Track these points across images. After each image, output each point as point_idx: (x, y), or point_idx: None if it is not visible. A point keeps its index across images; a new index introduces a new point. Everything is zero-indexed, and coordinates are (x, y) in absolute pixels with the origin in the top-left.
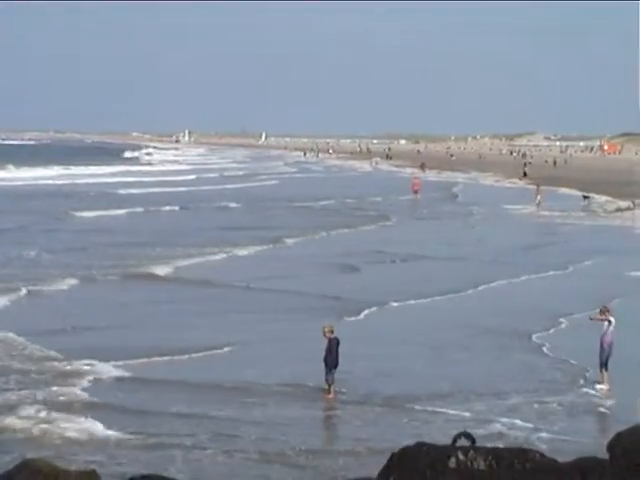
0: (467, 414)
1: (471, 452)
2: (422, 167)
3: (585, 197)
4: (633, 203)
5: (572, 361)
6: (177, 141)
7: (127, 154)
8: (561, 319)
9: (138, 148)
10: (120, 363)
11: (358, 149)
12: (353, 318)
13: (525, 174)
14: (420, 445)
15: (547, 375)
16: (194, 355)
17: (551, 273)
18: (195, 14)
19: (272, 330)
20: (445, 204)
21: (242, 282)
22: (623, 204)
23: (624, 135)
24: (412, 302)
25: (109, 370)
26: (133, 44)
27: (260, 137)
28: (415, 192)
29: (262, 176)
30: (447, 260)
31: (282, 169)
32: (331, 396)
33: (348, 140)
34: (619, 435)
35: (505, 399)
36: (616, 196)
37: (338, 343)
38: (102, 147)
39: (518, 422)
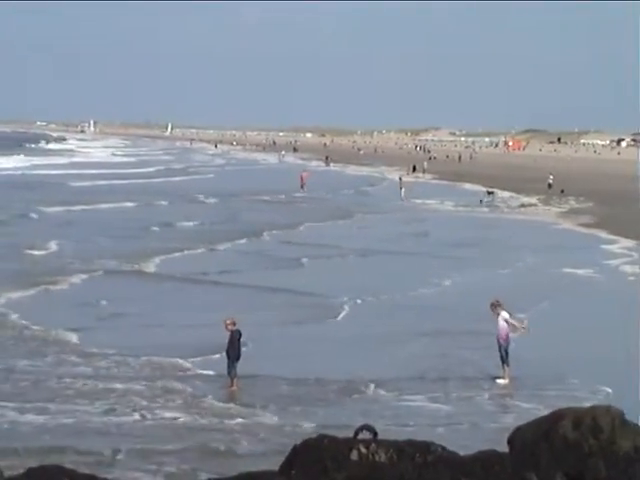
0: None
1: (373, 445)
2: (326, 160)
3: (489, 193)
4: (488, 192)
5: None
6: (82, 131)
7: (54, 145)
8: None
9: (60, 139)
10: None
11: (264, 141)
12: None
13: (414, 169)
14: (322, 437)
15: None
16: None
17: (500, 271)
18: (100, 5)
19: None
20: (384, 199)
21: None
22: (526, 200)
23: (529, 131)
24: (385, 297)
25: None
26: (36, 32)
27: (166, 128)
28: (302, 185)
29: (198, 169)
30: (399, 255)
31: (208, 161)
32: (234, 388)
33: (254, 132)
34: (519, 429)
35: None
36: (520, 192)
37: (240, 335)
38: (21, 137)
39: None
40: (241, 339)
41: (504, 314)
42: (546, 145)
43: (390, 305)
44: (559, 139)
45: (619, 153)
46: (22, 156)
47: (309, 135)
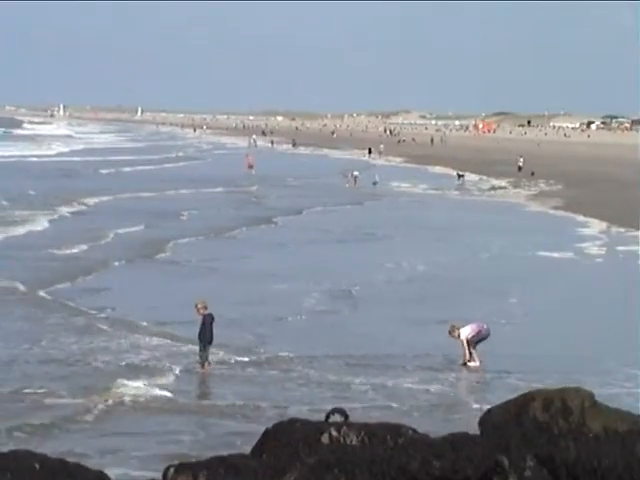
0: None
1: (344, 428)
2: (293, 143)
3: (460, 176)
4: (458, 175)
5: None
6: (52, 115)
7: (46, 130)
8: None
9: (46, 123)
10: None
11: (234, 125)
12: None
13: (370, 151)
14: (293, 421)
15: None
16: None
17: (476, 255)
18: None
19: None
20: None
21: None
22: (496, 183)
23: (499, 114)
24: (362, 284)
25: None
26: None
27: (136, 112)
28: (250, 167)
29: (199, 154)
30: (376, 241)
31: (196, 145)
32: (205, 371)
33: (224, 116)
34: (490, 411)
35: None
36: (490, 175)
37: (212, 319)
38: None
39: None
40: (213, 322)
41: (464, 331)
42: (516, 128)
43: (367, 293)
44: (529, 122)
45: (589, 136)
46: (28, 143)
47: (280, 119)
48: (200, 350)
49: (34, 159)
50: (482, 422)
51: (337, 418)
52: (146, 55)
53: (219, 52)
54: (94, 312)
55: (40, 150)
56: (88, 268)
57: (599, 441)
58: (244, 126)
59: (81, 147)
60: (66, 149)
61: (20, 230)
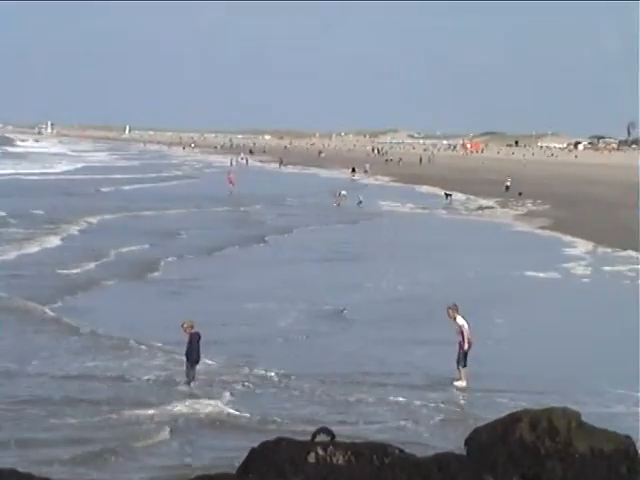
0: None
1: (330, 447)
2: (280, 162)
3: (447, 195)
4: (446, 195)
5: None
6: (40, 133)
7: (38, 148)
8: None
9: (35, 140)
10: None
11: (222, 143)
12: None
13: (354, 170)
14: (279, 440)
15: None
16: None
17: (463, 274)
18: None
19: None
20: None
21: None
22: (484, 202)
23: (487, 134)
24: (349, 302)
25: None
26: None
27: (124, 130)
28: (231, 184)
29: (192, 172)
30: (361, 260)
31: (186, 164)
32: (192, 388)
33: (212, 134)
34: (476, 431)
35: None
36: (478, 194)
37: (199, 337)
38: None
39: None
40: (200, 341)
41: (460, 319)
42: (504, 148)
43: (355, 312)
44: (516, 142)
45: (576, 156)
46: (24, 161)
47: (267, 137)
48: (187, 368)
49: (35, 177)
50: (468, 442)
51: (323, 437)
52: (133, 72)
53: (207, 70)
54: (98, 330)
55: (41, 168)
56: (89, 287)
57: (585, 461)
58: (232, 145)
59: (81, 165)
60: (69, 167)
61: (32, 249)
